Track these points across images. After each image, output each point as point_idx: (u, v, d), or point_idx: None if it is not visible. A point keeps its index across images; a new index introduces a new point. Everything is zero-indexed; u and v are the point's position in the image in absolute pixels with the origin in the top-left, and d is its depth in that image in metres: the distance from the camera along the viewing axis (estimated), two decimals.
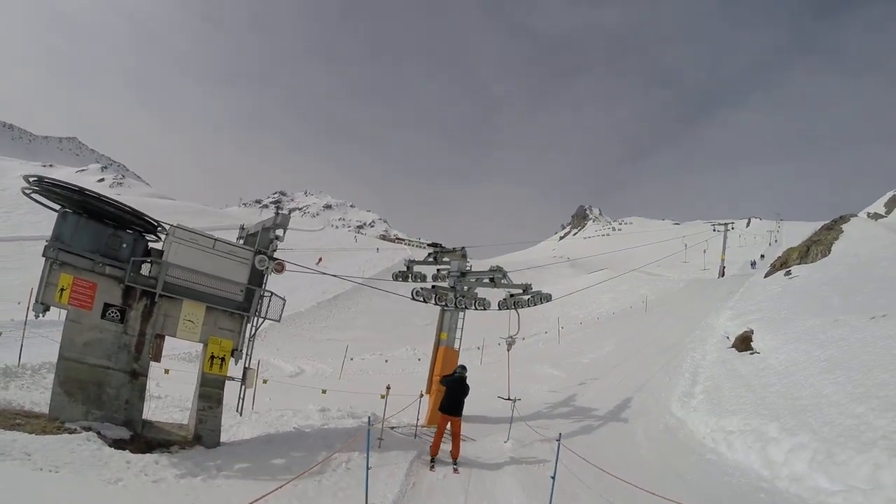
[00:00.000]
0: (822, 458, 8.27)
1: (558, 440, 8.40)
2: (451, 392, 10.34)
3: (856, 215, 36.80)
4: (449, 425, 10.21)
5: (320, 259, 52.74)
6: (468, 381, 10.64)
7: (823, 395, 10.43)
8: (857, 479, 7.52)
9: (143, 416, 9.42)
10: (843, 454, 8.07)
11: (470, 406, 12.61)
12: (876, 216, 69.70)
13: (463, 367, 11.01)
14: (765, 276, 29.65)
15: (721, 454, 10.30)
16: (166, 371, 14.41)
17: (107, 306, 8.88)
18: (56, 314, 9.15)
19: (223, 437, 9.78)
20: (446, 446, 10.33)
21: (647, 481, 8.20)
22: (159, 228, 9.81)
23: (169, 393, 13.37)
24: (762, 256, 61.55)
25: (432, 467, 9.72)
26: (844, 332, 13.22)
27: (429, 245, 17.19)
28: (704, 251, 65.68)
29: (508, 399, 16.11)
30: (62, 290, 8.55)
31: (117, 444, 8.13)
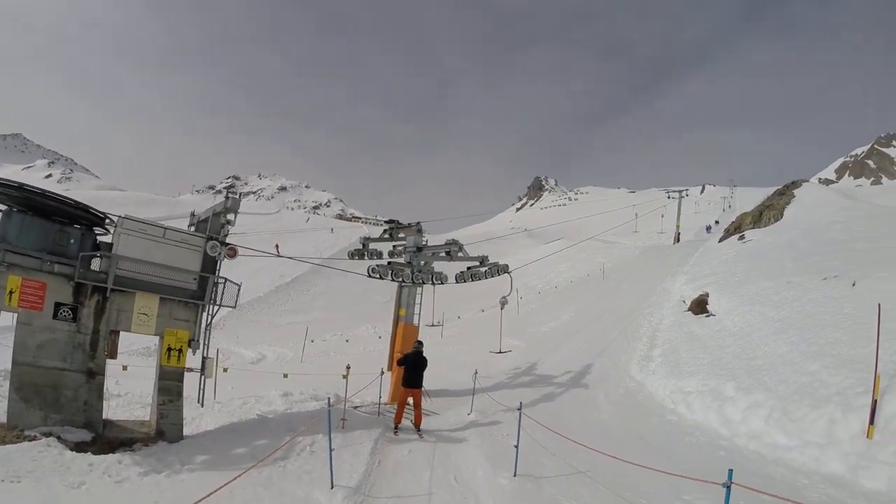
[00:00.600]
0: (778, 416, 8.54)
1: (519, 409, 8.49)
2: (411, 366, 10.82)
3: (807, 181, 37.74)
4: (410, 398, 10.74)
5: (277, 245, 51.77)
6: (424, 355, 11.18)
7: (778, 355, 10.75)
8: (813, 435, 7.77)
9: (104, 416, 9.21)
10: (799, 411, 8.32)
11: (433, 381, 12.70)
12: (827, 181, 72.11)
13: (419, 342, 11.57)
14: (719, 241, 30.35)
15: (681, 415, 10.57)
16: (124, 367, 14.02)
17: (58, 305, 8.59)
18: (10, 318, 8.67)
19: (186, 430, 9.66)
20: (407, 422, 10.69)
21: (610, 445, 8.38)
22: (107, 220, 9.50)
23: (129, 390, 13.15)
24: (717, 222, 63.16)
25: (395, 432, 10.32)
26: (797, 294, 13.58)
27: (385, 222, 17.07)
28: (662, 216, 67.13)
29: (500, 352, 17.24)
30: (11, 292, 8.23)
31: (79, 447, 7.95)
